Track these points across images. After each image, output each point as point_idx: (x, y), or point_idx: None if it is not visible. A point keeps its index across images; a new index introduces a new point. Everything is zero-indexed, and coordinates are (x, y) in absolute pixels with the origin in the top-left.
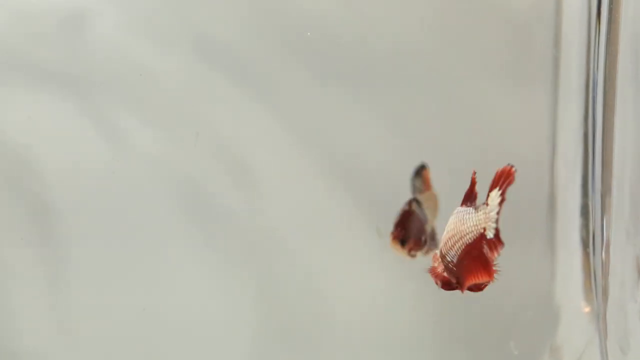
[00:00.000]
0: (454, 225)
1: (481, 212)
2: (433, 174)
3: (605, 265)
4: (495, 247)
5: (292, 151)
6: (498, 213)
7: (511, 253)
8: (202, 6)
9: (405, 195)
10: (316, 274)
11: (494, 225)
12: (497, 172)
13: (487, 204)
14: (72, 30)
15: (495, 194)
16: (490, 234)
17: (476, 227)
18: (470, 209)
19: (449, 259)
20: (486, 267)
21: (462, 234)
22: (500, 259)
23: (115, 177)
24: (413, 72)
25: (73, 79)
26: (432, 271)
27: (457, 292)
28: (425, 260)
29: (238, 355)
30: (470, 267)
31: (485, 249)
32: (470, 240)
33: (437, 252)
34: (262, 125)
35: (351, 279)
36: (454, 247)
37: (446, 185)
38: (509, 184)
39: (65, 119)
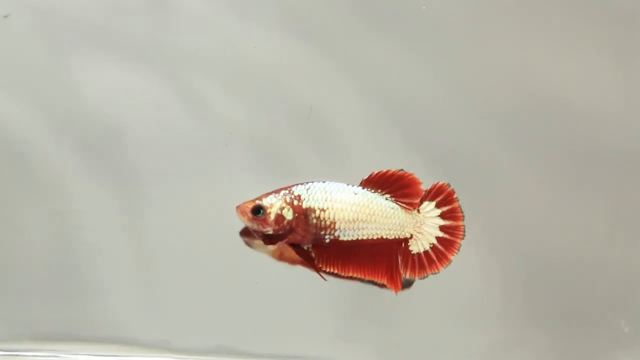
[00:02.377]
0: (373, 211)
1: (411, 217)
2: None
3: None
4: (423, 267)
5: (372, 115)
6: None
7: (622, 229)
8: None
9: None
10: None
11: (427, 244)
12: (433, 185)
13: (418, 211)
14: (160, 5)
15: (429, 206)
16: (418, 248)
17: (401, 229)
18: (397, 206)
19: (335, 235)
20: (393, 276)
21: (382, 226)
22: (610, 235)
23: (204, 147)
24: (509, 47)
25: (163, 53)
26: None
27: (574, 270)
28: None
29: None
30: (375, 261)
31: (403, 258)
32: (390, 237)
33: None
34: (344, 93)
35: None
36: (358, 229)
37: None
38: (448, 203)
39: (156, 91)
